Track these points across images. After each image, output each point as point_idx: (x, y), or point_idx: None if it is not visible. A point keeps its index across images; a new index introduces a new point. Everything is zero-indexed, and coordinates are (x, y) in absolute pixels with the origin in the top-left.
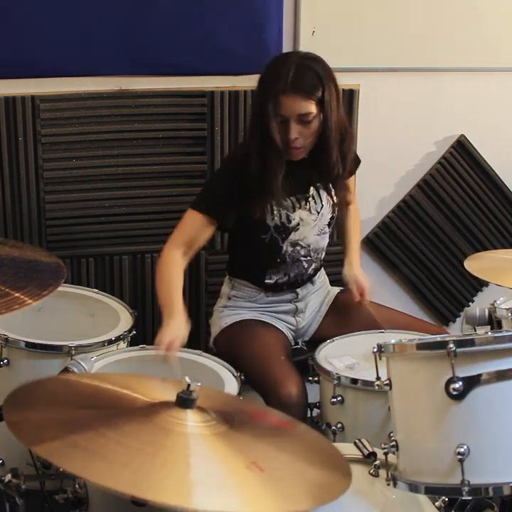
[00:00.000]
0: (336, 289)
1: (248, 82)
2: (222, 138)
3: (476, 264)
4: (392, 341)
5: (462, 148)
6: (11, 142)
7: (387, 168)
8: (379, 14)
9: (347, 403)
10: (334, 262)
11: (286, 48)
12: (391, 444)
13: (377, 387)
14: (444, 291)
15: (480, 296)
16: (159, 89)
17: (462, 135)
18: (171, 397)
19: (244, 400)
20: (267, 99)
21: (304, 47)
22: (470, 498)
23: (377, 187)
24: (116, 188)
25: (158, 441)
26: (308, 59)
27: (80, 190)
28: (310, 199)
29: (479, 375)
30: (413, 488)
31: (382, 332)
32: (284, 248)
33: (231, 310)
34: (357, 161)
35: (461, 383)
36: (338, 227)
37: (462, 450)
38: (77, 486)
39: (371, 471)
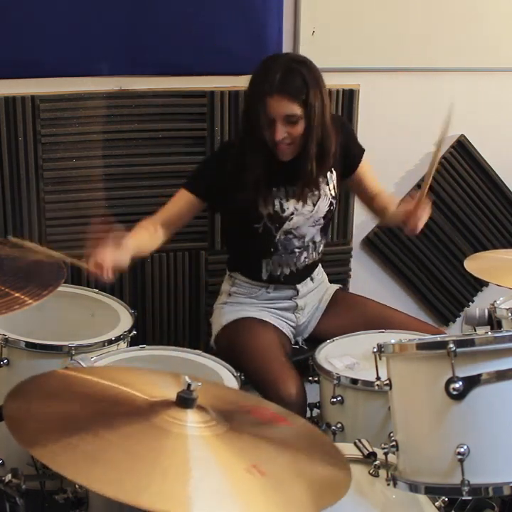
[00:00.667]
0: (335, 287)
1: (248, 82)
2: (222, 138)
3: (476, 264)
4: (392, 341)
5: (462, 148)
6: (11, 142)
7: (387, 168)
8: (379, 14)
9: (347, 403)
10: (334, 261)
11: (286, 48)
12: (391, 444)
13: (377, 387)
14: (444, 291)
15: (480, 296)
16: (159, 89)
17: (462, 135)
18: (171, 394)
19: (243, 393)
20: (255, 100)
21: (304, 47)
22: (470, 498)
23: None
24: (116, 188)
25: (158, 446)
26: (297, 62)
27: (80, 190)
28: (303, 191)
29: (479, 375)
30: (413, 488)
31: (382, 332)
32: (277, 237)
33: (232, 306)
34: (359, 150)
35: (461, 383)
36: (379, 213)
37: (462, 450)
38: (77, 486)
39: (371, 471)
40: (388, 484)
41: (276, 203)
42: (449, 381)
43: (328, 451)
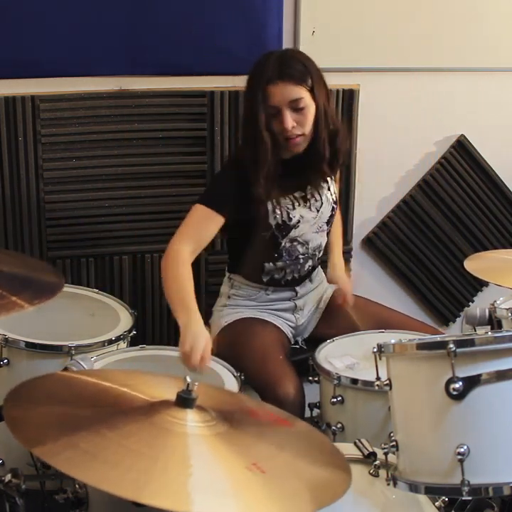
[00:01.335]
0: (335, 287)
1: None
2: (222, 138)
3: (476, 264)
4: (392, 341)
5: (462, 148)
6: (11, 142)
7: (387, 168)
8: (379, 14)
9: (347, 403)
10: None
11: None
12: (391, 444)
13: (377, 387)
14: (444, 291)
15: (480, 296)
16: (159, 89)
17: (462, 135)
18: (171, 395)
19: (243, 395)
20: (256, 92)
21: (304, 47)
22: (470, 498)
23: (377, 187)
24: (116, 188)
25: (158, 443)
26: (292, 51)
27: (80, 190)
28: (309, 197)
29: (479, 375)
30: (413, 488)
31: (382, 332)
32: (283, 244)
33: (231, 308)
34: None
35: (461, 383)
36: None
37: (462, 450)
38: (77, 486)
39: (371, 471)
40: (388, 484)
41: (284, 212)
42: (449, 381)
43: (329, 452)
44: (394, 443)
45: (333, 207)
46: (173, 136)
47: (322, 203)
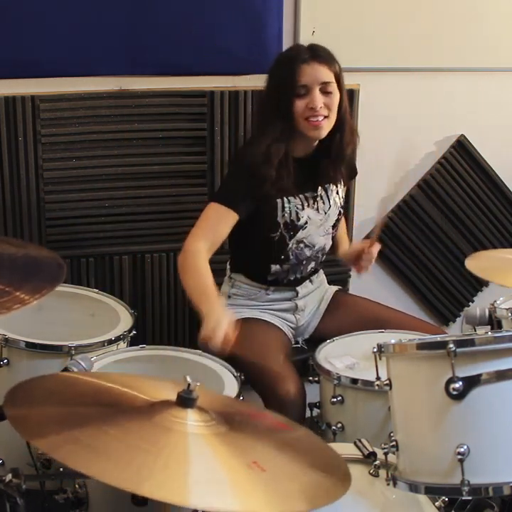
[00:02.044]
0: (334, 288)
1: (248, 82)
2: (222, 138)
3: (476, 264)
4: (392, 341)
5: (462, 148)
6: (11, 142)
7: (387, 168)
8: (379, 14)
9: (347, 403)
10: (334, 262)
11: (286, 48)
12: (391, 444)
13: (377, 387)
14: (444, 291)
15: (480, 296)
16: (159, 89)
17: (462, 135)
18: (171, 396)
19: (244, 401)
20: (288, 72)
21: None
22: (470, 498)
23: (377, 187)
24: (116, 188)
25: (159, 440)
26: (319, 45)
27: (80, 190)
28: (318, 199)
29: (479, 375)
30: (413, 488)
31: (382, 332)
32: (290, 245)
33: (231, 308)
34: (353, 172)
35: (461, 383)
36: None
37: (462, 450)
38: (77, 486)
39: (371, 471)
40: (388, 484)
41: (293, 211)
42: (449, 381)
43: (329, 458)
44: (394, 443)
45: (340, 210)
46: (173, 136)
47: (330, 206)
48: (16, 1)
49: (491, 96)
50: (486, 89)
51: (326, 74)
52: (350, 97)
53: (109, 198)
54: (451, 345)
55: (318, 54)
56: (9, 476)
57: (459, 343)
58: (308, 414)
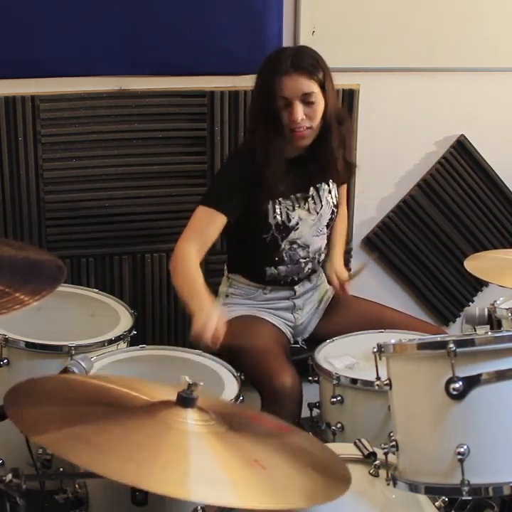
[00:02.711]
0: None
1: (248, 82)
2: (222, 138)
3: (476, 264)
4: (392, 341)
5: (462, 148)
6: (11, 142)
7: (387, 168)
8: (379, 14)
9: (347, 403)
10: None
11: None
12: (391, 444)
13: (377, 387)
14: (444, 291)
15: (480, 296)
16: (159, 89)
17: (462, 135)
18: (171, 397)
19: (243, 405)
20: (269, 83)
21: None
22: (470, 498)
23: (377, 187)
24: (116, 188)
25: (159, 438)
26: (304, 47)
27: (80, 190)
28: (309, 199)
29: (479, 375)
30: (413, 488)
31: (382, 332)
32: (282, 246)
33: (229, 307)
34: (351, 170)
35: (461, 383)
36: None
37: (462, 450)
38: (77, 486)
39: (371, 471)
40: (388, 484)
41: (284, 212)
42: (449, 381)
43: (329, 458)
44: (394, 443)
45: (333, 210)
46: (173, 136)
47: (322, 206)
48: (15, 1)
49: (491, 96)
50: (486, 89)
51: (306, 85)
52: (350, 97)
53: (109, 198)
54: (451, 345)
55: (300, 64)
56: (9, 476)
57: (459, 343)
58: (308, 414)
